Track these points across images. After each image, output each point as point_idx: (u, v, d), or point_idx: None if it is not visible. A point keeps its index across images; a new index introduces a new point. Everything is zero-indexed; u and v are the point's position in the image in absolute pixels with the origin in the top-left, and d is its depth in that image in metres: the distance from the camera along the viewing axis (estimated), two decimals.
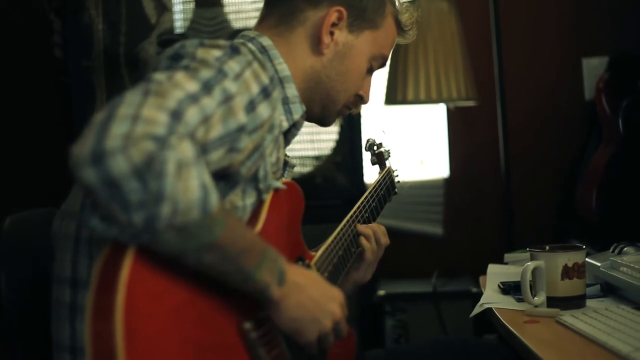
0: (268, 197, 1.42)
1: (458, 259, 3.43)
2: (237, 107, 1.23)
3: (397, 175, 2.00)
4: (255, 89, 1.28)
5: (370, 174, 2.99)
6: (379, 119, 3.40)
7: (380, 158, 1.96)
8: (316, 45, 1.57)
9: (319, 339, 1.32)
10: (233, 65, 1.26)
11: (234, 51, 1.29)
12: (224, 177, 1.30)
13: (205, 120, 1.16)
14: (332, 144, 3.04)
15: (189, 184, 1.08)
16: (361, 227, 1.71)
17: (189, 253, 1.14)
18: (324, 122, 1.67)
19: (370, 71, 1.67)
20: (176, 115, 1.11)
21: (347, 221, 1.67)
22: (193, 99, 1.15)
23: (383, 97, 3.21)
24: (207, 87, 1.19)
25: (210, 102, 1.18)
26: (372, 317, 3.16)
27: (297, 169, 3.00)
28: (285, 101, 1.53)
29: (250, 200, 1.37)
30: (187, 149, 1.09)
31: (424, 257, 3.47)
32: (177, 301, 1.16)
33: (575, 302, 1.68)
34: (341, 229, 1.63)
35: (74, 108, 3.10)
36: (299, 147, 3.03)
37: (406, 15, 1.70)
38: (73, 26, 3.08)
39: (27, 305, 1.60)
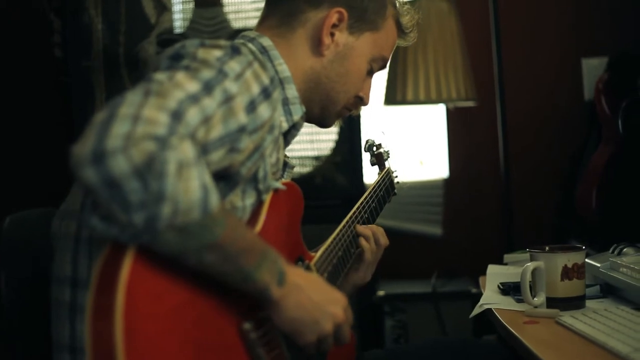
0: (268, 198, 1.42)
1: (457, 259, 3.43)
2: (238, 107, 1.23)
3: (396, 176, 2.00)
4: (255, 89, 1.28)
5: (370, 174, 2.99)
6: (378, 119, 3.40)
7: (379, 159, 1.96)
8: (316, 46, 1.57)
9: (319, 340, 1.32)
10: (234, 66, 1.26)
11: (235, 51, 1.29)
12: (224, 178, 1.30)
13: (206, 120, 1.16)
14: (331, 144, 3.05)
15: (190, 184, 1.08)
16: (360, 228, 1.71)
17: (190, 253, 1.14)
18: (323, 123, 1.67)
19: (370, 73, 1.67)
20: (177, 116, 1.11)
21: (347, 222, 1.67)
22: (194, 99, 1.15)
23: (382, 98, 3.21)
24: (207, 88, 1.19)
25: (210, 103, 1.18)
26: (371, 318, 3.16)
27: (297, 169, 3.00)
28: (285, 102, 1.53)
29: (250, 200, 1.37)
30: (187, 150, 1.09)
31: (423, 258, 3.47)
32: (177, 301, 1.16)
33: (574, 303, 1.68)
34: (340, 230, 1.63)
35: (73, 108, 3.11)
36: (298, 147, 3.03)
37: (407, 17, 1.70)
38: (73, 26, 3.08)
39: (27, 305, 1.59)
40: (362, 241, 1.70)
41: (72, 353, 1.33)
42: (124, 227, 1.09)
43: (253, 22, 3.01)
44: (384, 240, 1.74)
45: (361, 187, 3.00)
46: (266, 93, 1.30)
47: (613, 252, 1.89)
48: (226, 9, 3.10)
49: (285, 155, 1.60)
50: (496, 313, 1.72)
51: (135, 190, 1.05)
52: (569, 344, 1.46)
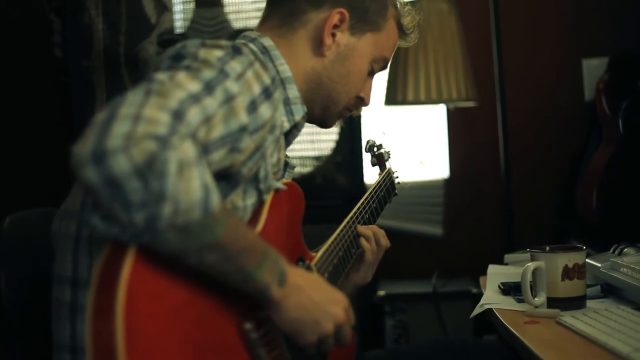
0: (269, 198, 1.42)
1: (458, 259, 3.43)
2: (239, 107, 1.23)
3: (397, 177, 2.00)
4: (256, 89, 1.28)
5: (370, 174, 3.00)
6: (379, 120, 3.40)
7: (380, 159, 1.96)
8: (318, 46, 1.57)
9: (319, 341, 1.32)
10: (235, 66, 1.26)
11: (236, 51, 1.29)
12: (225, 178, 1.30)
13: (207, 120, 1.16)
14: (332, 145, 3.05)
15: (191, 184, 1.08)
16: (361, 228, 1.71)
17: (190, 253, 1.14)
18: (324, 123, 1.67)
19: (371, 73, 1.67)
20: (178, 115, 1.11)
21: (348, 222, 1.67)
22: (195, 99, 1.15)
23: (383, 98, 3.21)
24: (208, 87, 1.19)
25: (211, 102, 1.18)
26: (372, 318, 3.16)
27: (297, 169, 3.00)
28: (287, 102, 1.53)
29: (251, 200, 1.37)
30: (188, 149, 1.09)
31: (424, 258, 3.47)
32: (177, 301, 1.16)
33: (575, 303, 1.68)
34: (341, 230, 1.63)
35: (73, 108, 3.11)
36: (299, 147, 3.03)
37: (408, 18, 1.70)
38: (73, 26, 3.08)
39: (27, 305, 1.59)
40: (363, 241, 1.70)
41: (73, 353, 1.33)
42: (124, 227, 1.09)
43: (253, 23, 3.03)
44: (384, 242, 1.74)
45: (362, 187, 3.00)
46: (267, 93, 1.30)
47: (614, 252, 1.89)
48: (227, 9, 3.10)
49: (286, 155, 1.60)
50: (497, 313, 1.72)
51: (136, 189, 1.05)
52: (570, 344, 1.46)
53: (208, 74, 1.21)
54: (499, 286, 1.93)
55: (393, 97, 3.16)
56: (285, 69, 1.54)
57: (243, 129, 1.24)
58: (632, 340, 1.36)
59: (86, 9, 3.06)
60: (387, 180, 1.94)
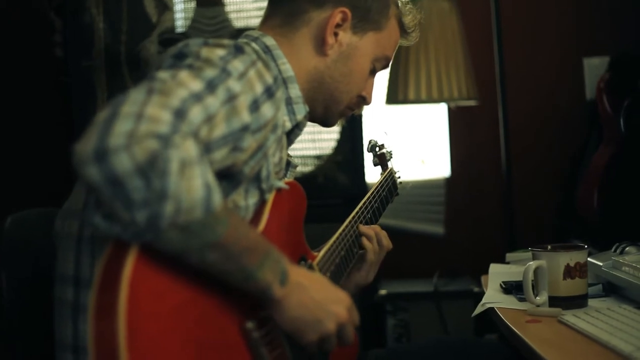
0: (270, 197, 1.42)
1: (459, 258, 3.43)
2: (241, 106, 1.23)
3: (399, 177, 2.00)
4: (259, 88, 1.28)
5: (372, 173, 2.99)
6: (380, 119, 3.40)
7: (382, 159, 1.96)
8: (320, 46, 1.57)
9: (321, 340, 1.32)
10: (237, 65, 1.26)
11: (238, 50, 1.29)
12: (227, 177, 1.29)
13: (209, 119, 1.16)
14: (333, 144, 3.04)
15: (192, 183, 1.08)
16: (363, 228, 1.70)
17: (192, 252, 1.14)
18: (326, 122, 1.67)
19: (373, 72, 1.67)
20: (180, 114, 1.11)
21: (350, 222, 1.67)
22: (197, 98, 1.15)
23: (384, 97, 3.21)
24: (211, 86, 1.19)
25: (214, 101, 1.18)
26: (373, 317, 3.16)
27: (298, 169, 3.00)
28: (289, 101, 1.53)
29: (252, 200, 1.37)
30: (190, 148, 1.09)
31: (425, 257, 3.47)
32: (179, 300, 1.16)
33: (577, 302, 1.68)
34: (343, 230, 1.63)
35: (74, 108, 3.10)
36: (300, 146, 3.03)
37: (409, 17, 1.70)
38: (74, 25, 3.08)
39: (27, 305, 1.59)
40: (365, 241, 1.70)
41: (75, 352, 1.33)
42: (126, 226, 1.09)
43: (254, 22, 3.03)
44: (386, 242, 1.73)
45: (363, 186, 3.00)
46: (269, 92, 1.30)
47: (615, 251, 1.88)
48: (228, 8, 3.10)
49: (288, 155, 1.60)
50: (498, 312, 1.72)
51: (138, 188, 1.05)
52: (572, 342, 1.46)
53: (210, 73, 1.21)
54: (500, 285, 1.93)
55: (394, 96, 3.16)
56: (288, 69, 1.54)
57: (245, 128, 1.24)
58: (634, 339, 1.36)
59: (87, 8, 3.05)
60: (389, 180, 1.94)
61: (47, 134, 3.49)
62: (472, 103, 3.24)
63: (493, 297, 1.86)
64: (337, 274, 1.58)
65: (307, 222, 1.56)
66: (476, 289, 3.07)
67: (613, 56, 3.05)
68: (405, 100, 3.13)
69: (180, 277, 1.16)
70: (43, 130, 3.51)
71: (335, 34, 1.57)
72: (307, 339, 1.30)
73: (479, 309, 1.81)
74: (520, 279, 1.71)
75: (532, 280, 1.69)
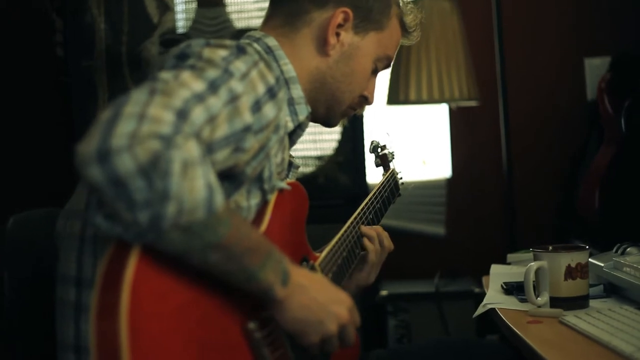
0: (272, 198, 1.42)
1: (460, 259, 3.43)
2: (243, 107, 1.23)
3: (401, 177, 2.00)
4: (261, 89, 1.28)
5: (373, 173, 3.00)
6: (381, 119, 3.40)
7: (384, 160, 1.96)
8: (322, 46, 1.57)
9: (323, 341, 1.32)
10: (239, 65, 1.26)
11: (240, 51, 1.29)
12: (229, 177, 1.30)
13: (211, 119, 1.16)
14: (334, 144, 3.05)
15: (195, 184, 1.08)
16: (365, 229, 1.70)
17: (194, 252, 1.14)
18: (328, 122, 1.67)
19: (375, 72, 1.67)
20: (182, 115, 1.11)
21: (352, 222, 1.67)
22: (199, 98, 1.15)
23: (385, 97, 3.21)
24: (213, 87, 1.19)
25: (216, 102, 1.18)
26: (374, 317, 3.16)
27: (300, 169, 3.00)
28: (291, 102, 1.53)
29: (254, 200, 1.37)
30: (192, 149, 1.09)
31: (426, 257, 3.47)
32: (181, 300, 1.16)
33: (578, 303, 1.68)
34: (345, 230, 1.63)
35: (74, 108, 3.10)
36: (301, 147, 3.03)
37: (410, 16, 1.70)
38: (75, 26, 3.08)
39: (30, 305, 1.60)
40: (367, 242, 1.70)
41: (77, 353, 1.33)
42: (128, 226, 1.09)
43: (256, 22, 3.03)
44: (388, 243, 1.73)
45: (364, 186, 3.00)
46: (272, 93, 1.30)
47: (616, 251, 1.88)
48: (229, 8, 3.10)
49: (291, 155, 1.60)
50: (500, 313, 1.72)
51: (140, 188, 1.05)
52: (573, 343, 1.46)
53: (212, 73, 1.21)
54: (501, 286, 1.93)
55: (395, 97, 3.16)
56: (290, 69, 1.54)
57: (247, 129, 1.24)
58: (635, 339, 1.36)
59: (88, 9, 3.06)
60: (391, 181, 1.94)
61: (47, 134, 3.49)
62: (473, 103, 3.24)
63: (494, 297, 1.86)
64: (339, 274, 1.58)
65: (308, 223, 1.56)
66: (477, 290, 3.07)
67: (614, 56, 3.05)
68: (406, 101, 3.13)
69: (182, 277, 1.17)
70: (43, 130, 3.51)
71: (337, 34, 1.57)
72: (309, 340, 1.31)
73: (480, 310, 1.81)
74: (522, 279, 1.71)
75: (533, 281, 1.69)
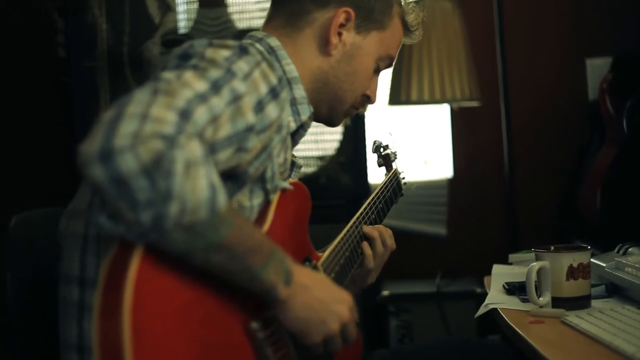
0: (275, 198, 1.42)
1: (462, 259, 3.44)
2: (246, 107, 1.23)
3: (403, 177, 2.00)
4: (263, 89, 1.28)
5: (375, 174, 3.00)
6: (382, 120, 3.40)
7: (386, 160, 1.96)
8: (324, 46, 1.57)
9: (325, 340, 1.32)
10: (242, 65, 1.26)
11: (243, 51, 1.29)
12: (232, 177, 1.30)
13: (214, 119, 1.16)
14: (336, 144, 3.05)
15: (197, 184, 1.09)
16: (367, 229, 1.70)
17: (196, 252, 1.14)
18: (331, 122, 1.67)
19: (377, 71, 1.67)
20: (185, 115, 1.11)
21: (354, 222, 1.67)
22: (202, 98, 1.15)
23: (387, 98, 3.21)
24: (215, 87, 1.19)
25: (218, 102, 1.18)
26: (376, 318, 3.17)
27: (302, 169, 3.00)
28: (293, 102, 1.53)
29: (257, 200, 1.38)
30: (195, 149, 1.09)
31: (427, 258, 3.47)
32: (184, 300, 1.16)
33: (580, 303, 1.68)
34: (348, 230, 1.63)
35: (75, 108, 3.10)
36: (303, 147, 3.03)
37: (412, 15, 1.70)
38: (76, 26, 3.08)
39: (33, 305, 1.60)
40: (365, 247, 1.69)
41: (80, 352, 1.33)
42: (131, 226, 1.09)
43: (257, 23, 3.03)
44: (390, 243, 1.73)
45: (366, 187, 3.00)
46: (274, 93, 1.30)
47: (618, 251, 1.89)
48: (230, 9, 3.10)
49: (293, 155, 1.60)
50: (501, 313, 1.72)
51: (142, 188, 1.05)
52: (575, 343, 1.46)
53: (215, 73, 1.21)
54: (503, 286, 1.93)
55: (397, 97, 3.16)
56: (292, 69, 1.54)
57: (250, 129, 1.24)
58: (637, 339, 1.36)
59: (90, 9, 3.06)
60: (394, 181, 1.93)
61: (48, 134, 3.49)
62: (474, 104, 3.24)
63: (496, 297, 1.86)
64: (342, 274, 1.58)
65: (309, 223, 1.56)
66: (478, 290, 3.08)
67: (615, 57, 3.05)
68: (408, 101, 3.13)
69: (185, 277, 1.17)
70: (44, 130, 3.51)
71: (339, 34, 1.57)
72: (312, 339, 1.31)
73: (482, 310, 1.81)
74: (523, 279, 1.71)
75: (535, 281, 1.69)
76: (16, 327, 1.58)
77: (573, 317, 1.57)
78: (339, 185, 3.04)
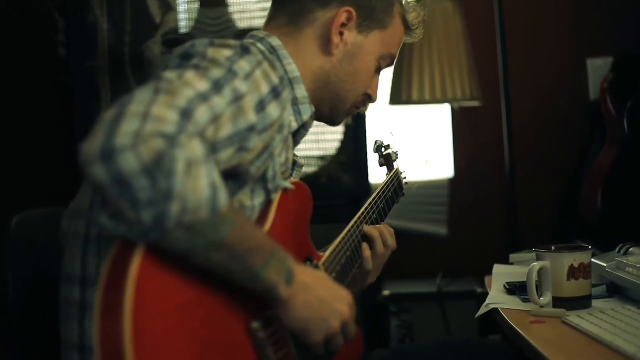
0: (276, 197, 1.43)
1: (463, 259, 3.43)
2: (247, 106, 1.23)
3: (405, 177, 2.00)
4: (265, 88, 1.28)
5: (376, 173, 3.00)
6: (383, 119, 3.40)
7: (388, 160, 1.96)
8: (326, 45, 1.57)
9: (327, 339, 1.32)
10: (243, 65, 1.26)
11: (245, 51, 1.29)
12: (233, 177, 1.30)
13: (215, 119, 1.16)
14: (336, 144, 3.04)
15: (198, 183, 1.09)
16: (368, 229, 1.70)
17: (198, 251, 1.14)
18: (332, 122, 1.67)
19: (378, 70, 1.67)
20: (186, 114, 1.11)
21: (355, 222, 1.67)
22: (203, 98, 1.15)
23: (388, 98, 3.21)
24: (217, 87, 1.19)
25: (220, 102, 1.18)
26: (377, 318, 3.16)
27: (303, 169, 3.00)
28: (295, 102, 1.53)
29: (259, 200, 1.38)
30: (196, 148, 1.09)
31: (428, 258, 3.47)
32: (185, 299, 1.16)
33: (581, 303, 1.68)
34: (349, 230, 1.63)
35: (76, 108, 3.10)
36: (304, 147, 3.03)
37: (413, 14, 1.70)
38: (77, 25, 3.08)
39: (35, 305, 1.60)
40: (364, 249, 1.68)
41: (81, 352, 1.33)
42: (132, 225, 1.09)
43: (258, 22, 3.03)
44: (392, 242, 1.72)
45: (367, 186, 3.00)
46: (276, 93, 1.30)
47: (619, 251, 1.89)
48: (231, 9, 3.10)
49: (295, 155, 1.60)
50: (502, 313, 1.72)
51: (144, 187, 1.05)
52: (576, 343, 1.46)
53: (217, 73, 1.21)
54: (504, 286, 1.93)
55: (398, 97, 3.16)
56: (294, 69, 1.54)
57: (251, 129, 1.24)
58: (638, 340, 1.36)
59: (91, 9, 3.06)
60: (395, 181, 1.93)
61: (48, 134, 3.49)
62: (475, 104, 3.24)
63: (497, 297, 1.86)
64: (343, 274, 1.58)
65: (310, 223, 1.56)
66: (479, 290, 3.08)
67: (616, 57, 3.05)
68: (409, 101, 3.13)
69: (186, 276, 1.17)
70: (45, 130, 3.50)
71: (341, 34, 1.57)
72: (313, 338, 1.31)
73: (482, 310, 1.81)
74: (524, 279, 1.71)
75: (536, 281, 1.69)
76: (16, 327, 1.58)
77: (574, 317, 1.57)
78: (339, 185, 3.04)
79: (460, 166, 3.53)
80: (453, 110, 3.50)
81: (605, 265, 1.83)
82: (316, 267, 1.48)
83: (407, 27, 1.70)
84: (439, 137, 3.55)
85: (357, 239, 1.66)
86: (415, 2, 1.73)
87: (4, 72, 3.53)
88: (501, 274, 2.08)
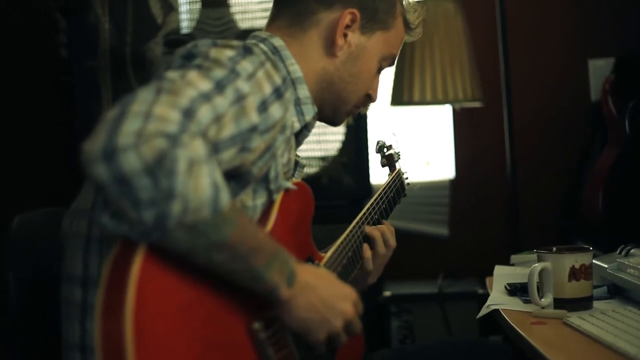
0: (278, 198, 1.43)
1: (463, 260, 3.43)
2: (250, 107, 1.23)
3: (406, 178, 1.99)
4: (267, 89, 1.28)
5: (377, 174, 3.00)
6: (385, 120, 3.40)
7: (390, 160, 1.96)
8: (329, 47, 1.57)
9: (329, 338, 1.32)
10: (246, 65, 1.26)
11: (247, 51, 1.29)
12: (235, 177, 1.30)
13: (217, 119, 1.16)
14: (338, 145, 3.04)
15: (200, 182, 1.09)
16: (369, 229, 1.69)
17: (199, 251, 1.14)
18: (334, 122, 1.67)
19: (379, 70, 1.67)
20: (188, 114, 1.11)
21: (357, 223, 1.67)
22: (205, 97, 1.15)
23: (389, 98, 3.21)
24: (219, 87, 1.19)
25: (222, 102, 1.18)
26: (377, 318, 3.16)
27: (305, 169, 3.00)
28: (297, 102, 1.53)
29: (260, 200, 1.38)
30: (198, 147, 1.09)
31: (429, 258, 3.47)
32: (186, 299, 1.16)
33: (582, 304, 1.68)
34: (350, 231, 1.63)
35: (77, 108, 3.10)
36: (305, 147, 3.03)
37: (414, 14, 1.70)
38: (78, 26, 3.08)
39: (33, 305, 1.60)
40: (365, 250, 1.69)
41: (82, 352, 1.33)
42: (133, 225, 1.09)
43: (260, 23, 3.03)
44: (393, 242, 1.72)
45: (368, 187, 3.00)
46: (278, 93, 1.30)
47: (620, 253, 1.88)
48: (233, 9, 3.10)
49: (297, 155, 1.60)
50: (503, 314, 1.72)
51: (145, 187, 1.05)
52: (576, 344, 1.46)
53: (219, 73, 1.21)
54: (505, 287, 1.93)
55: (399, 98, 3.16)
56: (296, 69, 1.54)
57: (253, 129, 1.24)
58: (639, 341, 1.36)
59: (92, 9, 3.06)
60: (397, 181, 1.93)
61: (50, 134, 3.49)
62: (476, 104, 3.24)
63: (498, 298, 1.86)
64: (344, 274, 1.58)
65: (311, 224, 1.56)
66: (480, 291, 3.07)
67: (618, 57, 3.05)
68: (410, 102, 3.13)
69: (187, 276, 1.17)
70: (45, 130, 3.50)
71: (345, 35, 1.57)
72: (315, 338, 1.31)
73: (483, 311, 1.81)
74: (525, 280, 1.71)
75: (537, 282, 1.69)
76: (17, 327, 1.58)
77: (575, 318, 1.57)
78: (341, 185, 3.04)
79: (462, 167, 3.53)
80: (454, 111, 3.50)
81: (606, 266, 1.83)
82: (317, 267, 1.48)
83: (408, 27, 1.70)
84: (440, 137, 3.55)
85: (359, 239, 1.66)
86: (416, 1, 1.73)
87: (4, 72, 3.53)
88: (502, 275, 2.08)
